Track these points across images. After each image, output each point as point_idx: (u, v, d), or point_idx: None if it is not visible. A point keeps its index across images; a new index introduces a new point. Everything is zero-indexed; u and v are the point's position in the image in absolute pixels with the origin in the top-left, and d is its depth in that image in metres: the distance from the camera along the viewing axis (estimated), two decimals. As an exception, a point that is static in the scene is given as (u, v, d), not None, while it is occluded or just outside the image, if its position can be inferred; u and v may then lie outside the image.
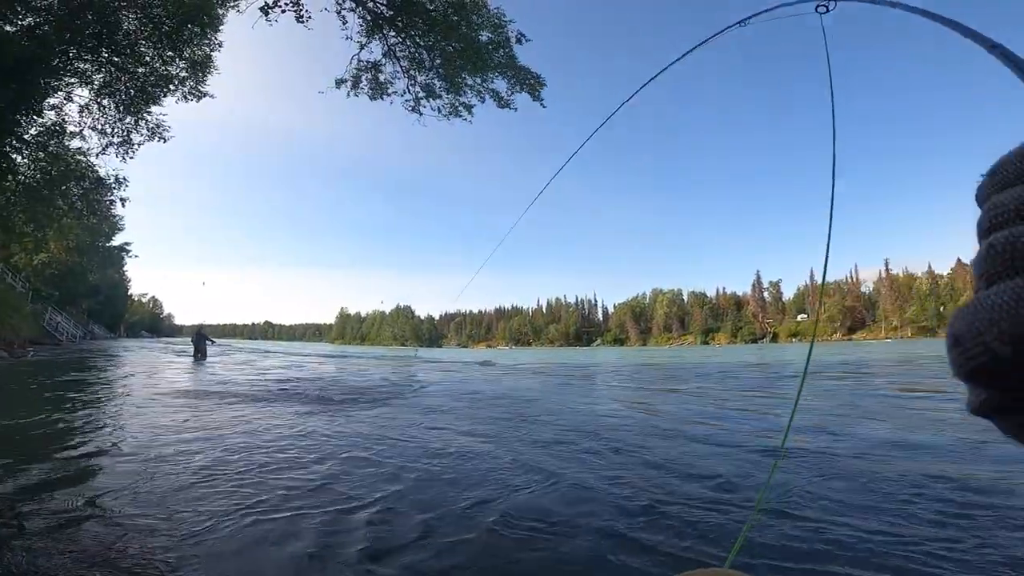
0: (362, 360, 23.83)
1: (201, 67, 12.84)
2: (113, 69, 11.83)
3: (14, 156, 12.26)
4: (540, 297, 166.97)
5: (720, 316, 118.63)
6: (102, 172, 14.23)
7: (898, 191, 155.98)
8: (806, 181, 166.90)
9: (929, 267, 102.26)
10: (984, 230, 0.27)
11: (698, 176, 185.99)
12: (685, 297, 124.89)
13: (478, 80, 12.86)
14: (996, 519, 2.59)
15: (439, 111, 13.39)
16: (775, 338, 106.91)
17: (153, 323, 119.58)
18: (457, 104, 13.30)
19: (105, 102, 12.50)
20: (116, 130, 13.09)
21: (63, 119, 12.63)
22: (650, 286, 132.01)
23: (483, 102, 13.14)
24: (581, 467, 3.86)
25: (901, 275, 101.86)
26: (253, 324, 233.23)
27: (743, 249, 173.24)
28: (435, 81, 13.04)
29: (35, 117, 11.85)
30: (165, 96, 13.02)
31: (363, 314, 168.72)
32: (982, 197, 0.29)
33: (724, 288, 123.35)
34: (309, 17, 10.71)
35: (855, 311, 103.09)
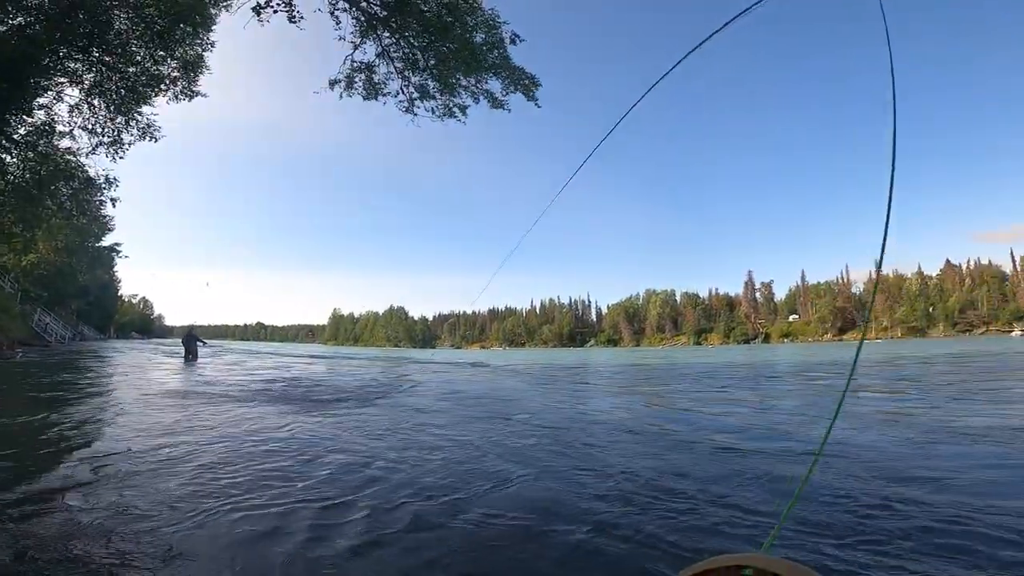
0: (354, 361, 23.76)
1: (193, 67, 12.77)
2: (104, 69, 11.74)
3: (3, 156, 12.16)
4: (534, 298, 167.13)
5: (713, 317, 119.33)
6: (92, 172, 14.13)
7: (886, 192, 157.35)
8: (800, 182, 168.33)
9: (919, 268, 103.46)
10: None
11: (692, 177, 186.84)
12: (678, 298, 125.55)
13: (472, 81, 12.87)
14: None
15: (433, 112, 13.39)
16: (767, 339, 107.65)
17: (143, 324, 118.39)
18: (451, 105, 13.31)
19: (96, 102, 12.41)
20: (106, 130, 12.99)
21: (53, 119, 12.52)
22: (643, 287, 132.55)
23: (477, 102, 13.16)
24: (552, 462, 3.97)
25: (891, 276, 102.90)
26: (245, 325, 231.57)
27: (735, 250, 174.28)
28: (429, 82, 13.04)
29: (25, 117, 11.75)
30: (156, 96, 12.95)
31: (356, 315, 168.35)
32: None
33: (717, 289, 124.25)
34: (301, 17, 10.68)
35: (846, 312, 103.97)
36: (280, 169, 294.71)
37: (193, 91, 13.19)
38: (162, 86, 12.66)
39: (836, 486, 3.11)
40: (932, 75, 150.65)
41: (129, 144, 13.41)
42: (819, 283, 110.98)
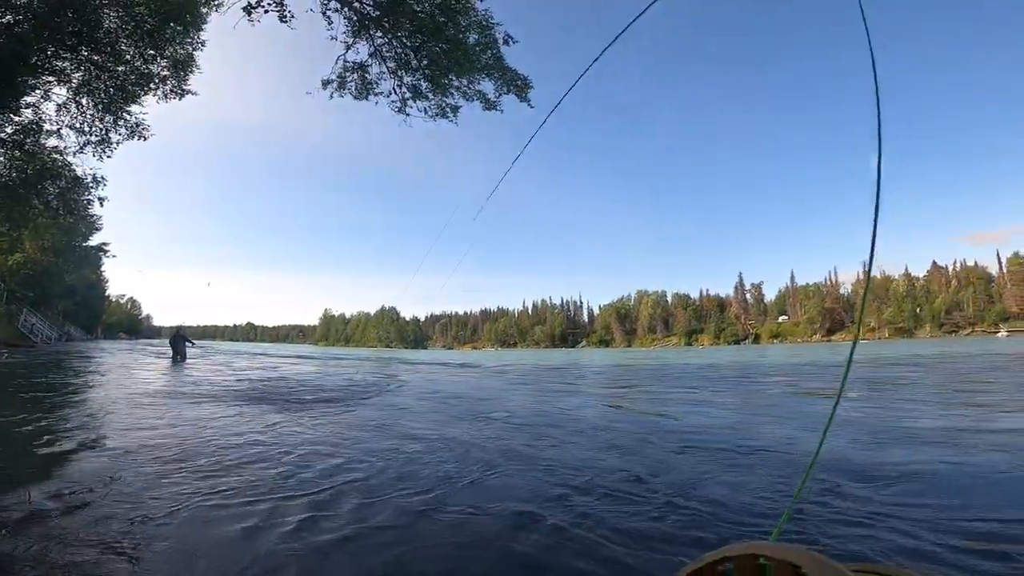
0: (342, 362, 23.69)
1: (183, 66, 12.67)
2: (92, 67, 11.60)
3: (-11, 155, 12.02)
4: (526, 298, 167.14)
5: (703, 318, 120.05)
6: (79, 171, 13.98)
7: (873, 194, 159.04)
8: (790, 184, 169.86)
9: (906, 269, 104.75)
10: None
11: (684, 179, 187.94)
12: (669, 299, 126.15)
13: (464, 81, 12.89)
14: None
15: (426, 112, 13.39)
16: (757, 339, 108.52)
17: (131, 324, 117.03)
18: (444, 105, 13.32)
19: (83, 100, 12.26)
20: (94, 129, 12.85)
21: (40, 117, 12.36)
22: (635, 288, 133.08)
23: (471, 102, 13.17)
24: (524, 456, 4.14)
25: (879, 277, 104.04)
26: (235, 325, 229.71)
27: (726, 251, 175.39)
28: (422, 82, 13.03)
29: (12, 116, 11.60)
30: (145, 95, 12.82)
31: (348, 315, 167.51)
32: None
33: (707, 290, 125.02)
34: (292, 17, 10.64)
35: (834, 313, 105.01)
36: (273, 169, 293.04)
37: (183, 90, 13.08)
38: (151, 85, 12.54)
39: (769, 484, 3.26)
40: (918, 76, 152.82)
41: (117, 143, 13.28)
42: (808, 284, 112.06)
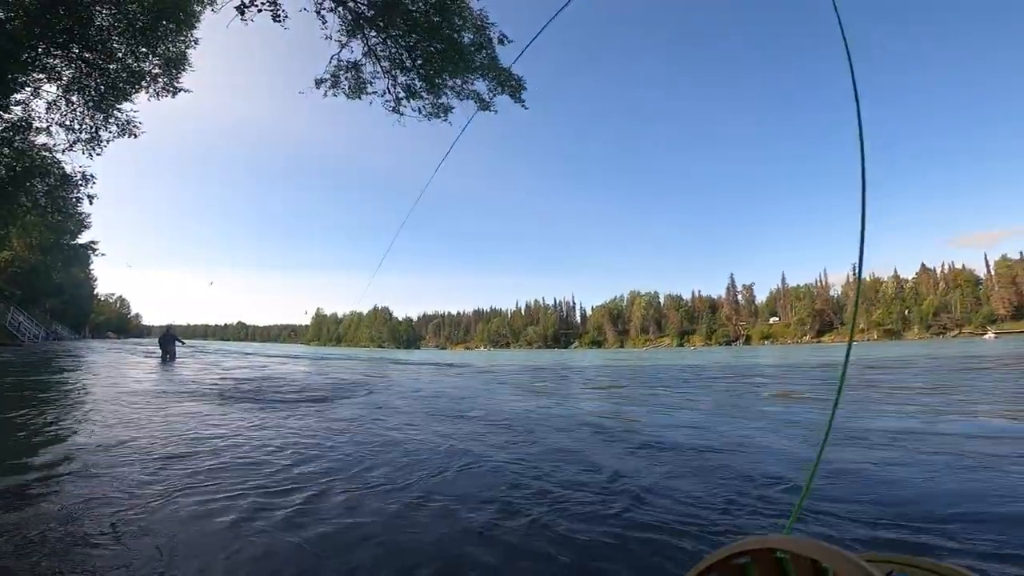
0: (332, 362, 23.62)
1: (175, 64, 12.56)
2: (83, 65, 11.48)
3: (-24, 152, 11.85)
4: (519, 299, 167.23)
5: (695, 319, 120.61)
6: (68, 168, 13.84)
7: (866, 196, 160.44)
8: (782, 187, 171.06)
9: (895, 271, 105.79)
10: None
11: (675, 181, 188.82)
12: (662, 300, 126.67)
13: (458, 81, 12.88)
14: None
15: (420, 111, 13.36)
16: (748, 340, 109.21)
17: (120, 323, 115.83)
18: (438, 105, 13.30)
19: (74, 98, 12.12)
20: (84, 126, 12.71)
21: (29, 115, 12.21)
22: (627, 288, 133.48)
23: (462, 101, 13.16)
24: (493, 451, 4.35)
25: (868, 279, 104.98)
26: (226, 325, 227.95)
27: (718, 253, 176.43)
28: (416, 82, 13.01)
29: (1, 113, 11.45)
30: (137, 92, 12.71)
31: (340, 315, 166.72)
32: None
33: (699, 291, 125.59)
34: (286, 16, 10.59)
35: (824, 314, 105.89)
36: (265, 169, 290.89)
37: (175, 87, 12.97)
38: (143, 83, 12.43)
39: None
40: (911, 78, 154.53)
41: (107, 141, 13.15)
42: (799, 286, 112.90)
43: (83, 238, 43.44)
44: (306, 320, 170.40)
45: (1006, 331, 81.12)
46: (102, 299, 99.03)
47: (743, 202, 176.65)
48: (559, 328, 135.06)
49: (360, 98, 13.21)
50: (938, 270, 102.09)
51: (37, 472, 3.48)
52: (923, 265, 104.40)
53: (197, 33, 12.30)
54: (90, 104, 12.30)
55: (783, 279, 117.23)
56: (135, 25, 11.00)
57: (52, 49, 10.94)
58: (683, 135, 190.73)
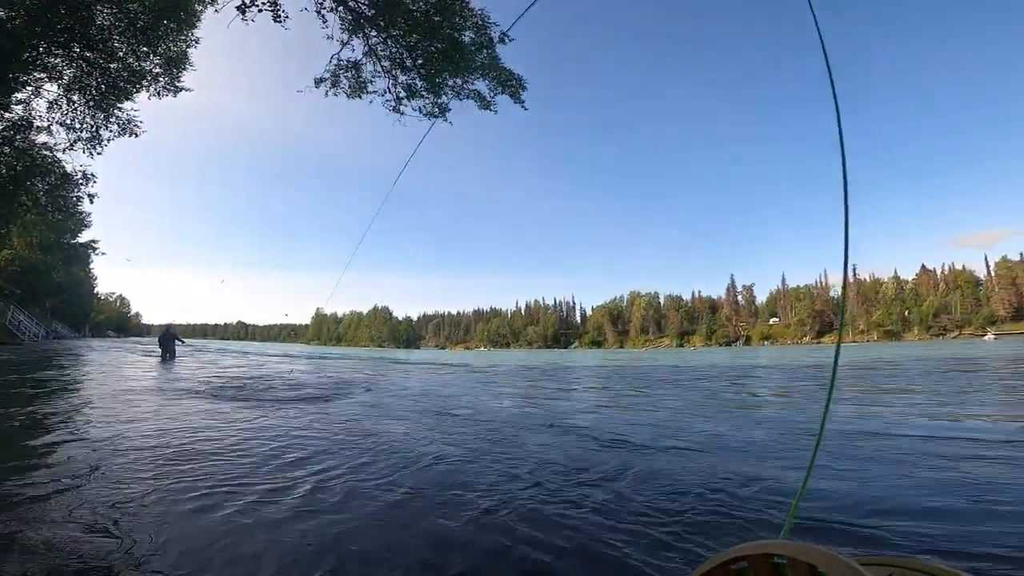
0: (328, 361, 23.65)
1: (176, 63, 12.58)
2: (84, 64, 11.50)
3: (-23, 151, 11.87)
4: (519, 299, 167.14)
5: (696, 319, 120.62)
6: (69, 168, 13.86)
7: (866, 197, 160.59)
8: (781, 187, 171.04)
9: (895, 272, 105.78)
10: None
11: (675, 181, 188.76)
12: (662, 300, 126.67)
13: (459, 81, 12.88)
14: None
15: (420, 111, 13.36)
16: (748, 341, 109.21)
17: (120, 322, 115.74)
18: (438, 105, 13.30)
19: (75, 97, 12.14)
20: (85, 125, 12.74)
21: (30, 114, 12.23)
22: (627, 289, 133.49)
23: (462, 101, 13.16)
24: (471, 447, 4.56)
25: (868, 280, 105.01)
26: (227, 324, 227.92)
27: (718, 253, 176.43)
28: (417, 81, 13.01)
29: (2, 112, 11.46)
30: (138, 92, 12.73)
31: (340, 315, 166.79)
32: None
33: (699, 292, 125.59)
34: (287, 17, 10.59)
35: (824, 315, 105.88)
36: (272, 170, 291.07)
37: (176, 87, 13.00)
38: (144, 82, 12.45)
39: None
40: (911, 77, 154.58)
41: (108, 140, 13.17)
42: (799, 287, 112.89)
43: (83, 237, 43.55)
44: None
45: (1006, 332, 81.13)
46: (102, 298, 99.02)
47: (744, 203, 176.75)
48: (559, 328, 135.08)
49: (360, 97, 13.22)
50: (938, 271, 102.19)
51: (37, 468, 3.56)
52: (923, 266, 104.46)
53: (198, 32, 12.32)
54: (91, 103, 12.31)
55: (783, 280, 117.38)
56: (136, 24, 11.02)
57: (53, 48, 10.95)
58: (683, 135, 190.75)
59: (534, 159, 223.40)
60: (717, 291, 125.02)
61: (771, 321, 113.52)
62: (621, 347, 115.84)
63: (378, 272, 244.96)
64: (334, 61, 12.67)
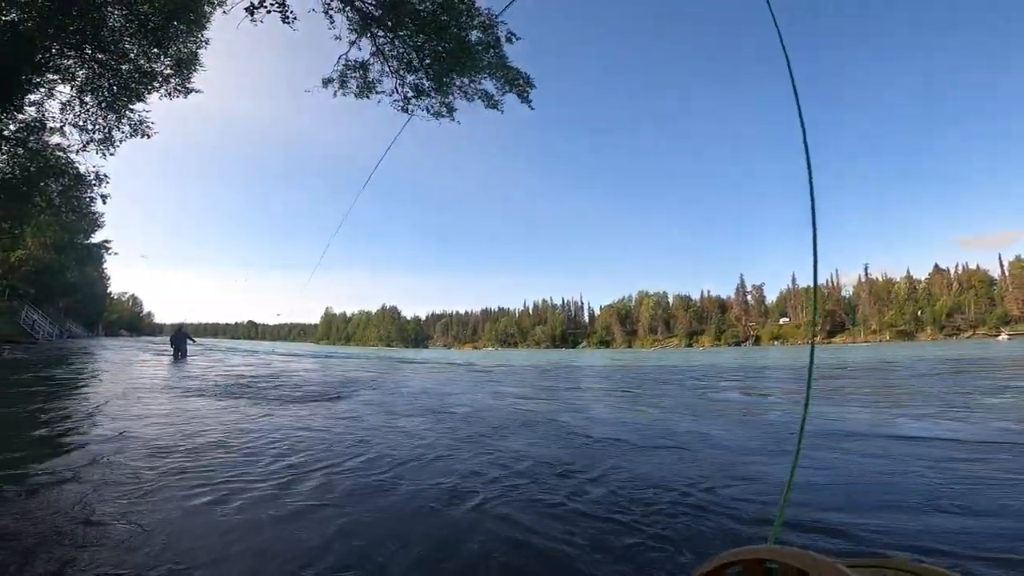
0: (335, 360, 23.78)
1: (187, 64, 12.71)
2: (96, 66, 11.66)
3: (-8, 152, 12.08)
4: (527, 299, 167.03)
5: (705, 319, 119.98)
6: (82, 168, 14.05)
7: (878, 197, 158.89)
8: (791, 186, 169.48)
9: (908, 272, 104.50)
10: None
11: (683, 181, 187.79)
12: (670, 300, 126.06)
13: (466, 81, 12.89)
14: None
15: (428, 110, 13.38)
16: (758, 341, 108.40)
17: (132, 322, 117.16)
18: (446, 104, 13.32)
19: (87, 99, 12.31)
20: (97, 127, 12.90)
21: (43, 115, 12.42)
22: (636, 289, 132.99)
23: (471, 102, 13.17)
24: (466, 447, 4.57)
25: (880, 279, 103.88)
26: (236, 324, 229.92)
27: (728, 253, 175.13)
28: (424, 81, 13.04)
29: (16, 113, 11.64)
30: (149, 93, 12.87)
31: (349, 314, 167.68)
32: None
33: (709, 291, 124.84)
34: (295, 18, 10.65)
35: (835, 315, 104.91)
36: (279, 170, 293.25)
37: (187, 88, 13.12)
38: (155, 83, 12.59)
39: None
40: (930, 78, 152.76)
41: (120, 141, 13.33)
42: (809, 286, 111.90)
43: (96, 237, 44.07)
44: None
45: (1020, 332, 79.98)
46: (115, 298, 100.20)
47: (753, 202, 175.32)
48: (567, 328, 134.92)
49: (368, 97, 13.27)
50: (952, 270, 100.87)
51: (51, 461, 3.67)
52: (936, 265, 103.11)
53: (208, 34, 12.42)
54: (103, 104, 12.47)
55: (793, 279, 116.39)
56: (147, 26, 11.14)
57: (66, 50, 11.11)
58: (692, 135, 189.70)
59: (542, 158, 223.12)
60: (727, 291, 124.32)
61: (781, 321, 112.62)
62: (629, 347, 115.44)
63: (385, 272, 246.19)
64: (342, 61, 12.73)
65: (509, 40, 12.20)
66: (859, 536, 2.43)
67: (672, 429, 5.45)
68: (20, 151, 12.71)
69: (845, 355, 28.91)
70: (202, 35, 12.24)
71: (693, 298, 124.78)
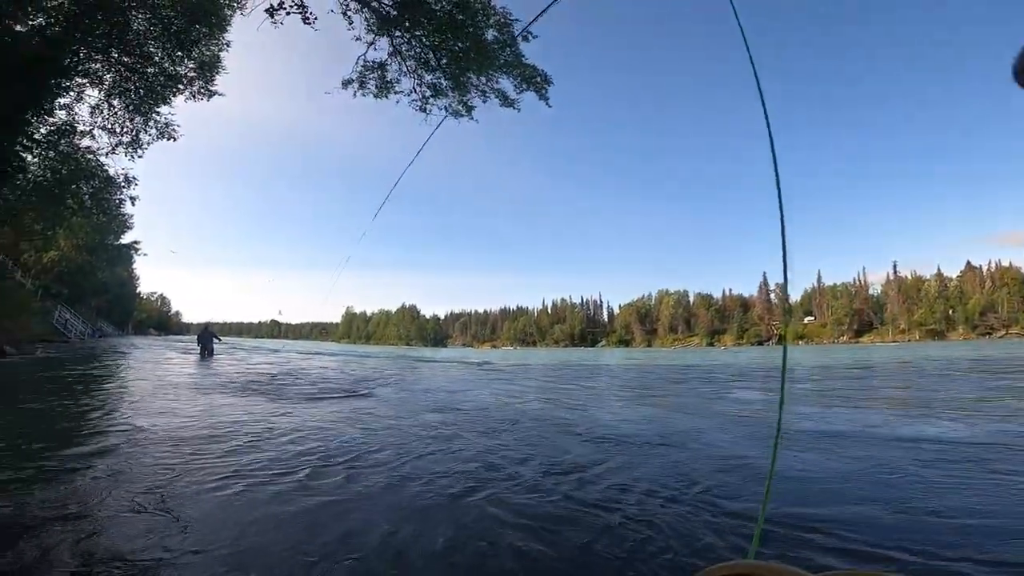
0: (355, 358, 24.01)
1: (209, 67, 12.97)
2: (123, 69, 11.97)
3: (25, 155, 12.41)
4: (545, 298, 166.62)
5: (727, 318, 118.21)
6: (111, 171, 14.44)
7: (907, 193, 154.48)
8: (814, 183, 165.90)
9: (938, 270, 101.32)
10: None
11: (707, 178, 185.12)
12: (691, 298, 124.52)
13: (483, 80, 12.89)
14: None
15: (446, 110, 13.42)
16: (781, 340, 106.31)
17: (161, 321, 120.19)
18: (464, 103, 13.35)
19: (115, 102, 12.65)
20: (125, 129, 13.26)
21: (73, 118, 12.78)
22: (656, 287, 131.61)
23: (486, 102, 13.17)
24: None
25: (910, 277, 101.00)
26: (260, 323, 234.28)
27: (751, 251, 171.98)
28: (442, 80, 13.09)
29: (46, 117, 12.00)
30: (174, 96, 13.18)
31: (369, 313, 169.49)
32: None
33: (731, 290, 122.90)
34: (315, 19, 10.77)
35: (863, 314, 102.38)
36: (297, 171, 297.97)
37: (210, 90, 13.41)
38: (179, 86, 12.88)
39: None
40: (956, 71, 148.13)
41: (147, 143, 13.69)
42: (835, 285, 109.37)
43: (125, 238, 45.26)
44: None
45: (1059, 332, 77.05)
46: (144, 297, 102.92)
47: (773, 201, 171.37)
48: (586, 327, 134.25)
49: (387, 97, 13.37)
50: (984, 268, 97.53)
51: (84, 452, 3.88)
52: (968, 263, 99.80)
53: (228, 36, 12.65)
54: (130, 107, 12.81)
55: (819, 277, 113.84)
56: (170, 29, 11.41)
57: (93, 54, 11.43)
58: (711, 132, 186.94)
59: (560, 156, 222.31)
60: (749, 289, 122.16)
61: (805, 320, 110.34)
62: (649, 346, 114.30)
63: (404, 271, 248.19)
64: (360, 62, 12.85)
65: (526, 39, 12.16)
66: (844, 536, 2.39)
67: (671, 428, 5.46)
68: (51, 154, 13.10)
69: (881, 355, 28.20)
70: (223, 37, 12.47)
71: (715, 296, 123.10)
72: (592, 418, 6.32)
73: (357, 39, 12.20)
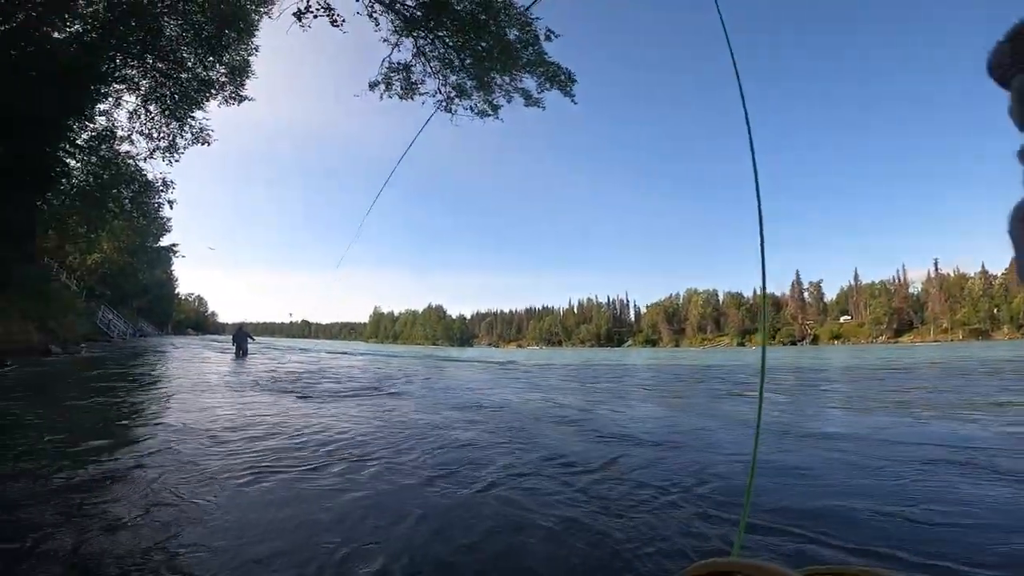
0: (382, 358, 24.32)
1: (240, 72, 13.32)
2: (158, 75, 12.39)
3: (68, 161, 12.95)
4: (571, 297, 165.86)
5: (758, 317, 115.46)
6: (150, 175, 14.97)
7: (949, 188, 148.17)
8: (854, 178, 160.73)
9: (982, 267, 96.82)
10: None
11: (733, 175, 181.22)
12: (721, 297, 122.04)
13: (507, 79, 12.89)
14: None
15: (471, 110, 13.48)
16: (815, 340, 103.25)
17: (198, 321, 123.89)
18: (488, 103, 13.37)
19: (152, 107, 13.11)
20: (162, 134, 13.74)
21: (113, 124, 13.29)
22: (684, 286, 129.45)
23: (510, 101, 13.16)
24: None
25: (952, 275, 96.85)
26: (292, 323, 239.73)
27: (782, 249, 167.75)
28: (467, 81, 13.14)
29: (87, 123, 12.50)
30: (207, 101, 13.58)
31: (396, 313, 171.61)
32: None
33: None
34: (343, 20, 10.94)
35: (902, 313, 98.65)
36: (318, 171, 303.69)
37: (241, 95, 13.76)
38: (212, 91, 13.26)
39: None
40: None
41: (184, 148, 14.15)
42: (873, 283, 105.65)
43: (164, 241, 46.91)
44: (365, 318, 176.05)
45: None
46: (182, 298, 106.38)
47: (813, 196, 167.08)
48: (612, 327, 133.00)
49: (412, 99, 13.50)
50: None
51: (126, 446, 4.11)
52: (1013, 259, 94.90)
53: (257, 41, 12.96)
54: (166, 112, 13.25)
55: (855, 275, 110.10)
56: (201, 34, 11.75)
57: (128, 60, 11.85)
58: (730, 131, 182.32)
59: (588, 155, 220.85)
60: (782, 288, 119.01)
61: (841, 319, 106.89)
62: (677, 346, 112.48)
63: (431, 271, 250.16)
64: (385, 64, 12.99)
65: (548, 38, 12.10)
66: (834, 544, 2.33)
67: (679, 428, 5.48)
68: (93, 159, 13.62)
69: (924, 354, 27.11)
70: (252, 42, 12.78)
71: (745, 295, 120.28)
72: (607, 419, 6.26)
73: (384, 40, 12.35)
